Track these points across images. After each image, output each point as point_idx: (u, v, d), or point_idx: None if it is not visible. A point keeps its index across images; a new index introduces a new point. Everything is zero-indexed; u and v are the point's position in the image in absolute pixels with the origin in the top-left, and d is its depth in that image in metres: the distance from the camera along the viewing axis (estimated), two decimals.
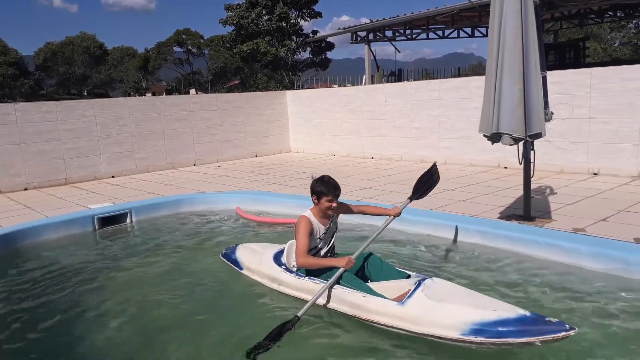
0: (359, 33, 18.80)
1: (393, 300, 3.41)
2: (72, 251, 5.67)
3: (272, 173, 10.26)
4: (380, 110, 11.44)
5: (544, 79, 5.16)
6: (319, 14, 32.29)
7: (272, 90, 29.31)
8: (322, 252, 3.98)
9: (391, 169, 9.88)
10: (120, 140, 10.91)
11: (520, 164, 5.51)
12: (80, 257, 5.42)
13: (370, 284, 3.69)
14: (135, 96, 41.18)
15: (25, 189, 9.61)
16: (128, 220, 6.76)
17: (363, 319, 3.46)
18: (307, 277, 3.85)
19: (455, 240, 5.18)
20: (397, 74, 21.78)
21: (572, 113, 8.14)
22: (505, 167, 9.13)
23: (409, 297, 3.31)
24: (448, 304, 3.17)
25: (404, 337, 3.27)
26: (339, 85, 22.74)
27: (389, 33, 19.30)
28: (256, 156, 13.30)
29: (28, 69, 52.30)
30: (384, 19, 17.65)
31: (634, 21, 33.47)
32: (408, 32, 19.56)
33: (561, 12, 16.77)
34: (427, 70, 28.77)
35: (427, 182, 4.65)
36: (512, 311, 3.03)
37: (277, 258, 4.23)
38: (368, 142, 11.88)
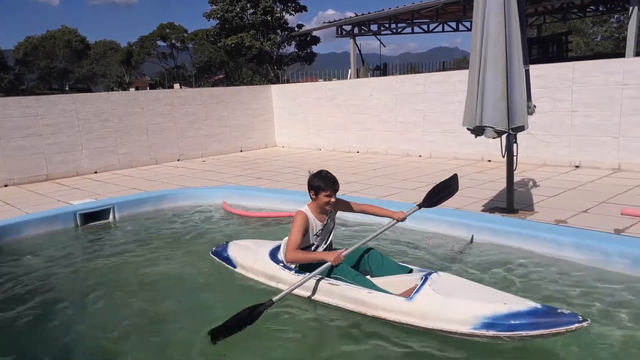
0: (344, 27, 18.75)
1: (399, 295, 3.35)
2: (54, 248, 5.58)
3: (258, 168, 10.22)
4: (366, 104, 11.44)
5: (527, 72, 5.19)
6: (304, 8, 32.20)
7: (257, 84, 29.18)
8: (320, 250, 3.90)
9: (376, 163, 9.90)
10: (102, 135, 10.76)
11: (504, 157, 5.55)
12: (61, 254, 5.34)
13: (372, 280, 3.62)
14: (119, 91, 40.70)
15: (6, 185, 9.44)
16: (111, 216, 6.68)
17: (369, 316, 3.40)
18: (307, 274, 3.70)
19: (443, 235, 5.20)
20: (382, 68, 21.79)
21: (555, 106, 8.23)
22: (489, 161, 9.20)
23: (417, 292, 3.26)
24: (458, 299, 3.13)
25: (412, 331, 3.22)
26: (325, 80, 22.72)
27: (374, 27, 19.28)
28: (241, 151, 13.23)
29: (8, 63, 51.35)
30: (369, 12, 17.64)
31: (615, 16, 33.90)
32: (393, 26, 19.57)
33: (544, 6, 16.90)
34: (412, 65, 28.87)
35: (442, 191, 4.34)
36: (523, 304, 3.00)
37: (274, 255, 4.10)
38: (353, 136, 11.88)
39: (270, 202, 6.82)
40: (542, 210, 5.64)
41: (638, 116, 7.49)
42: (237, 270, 4.36)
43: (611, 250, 4.15)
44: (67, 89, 53.73)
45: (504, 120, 4.96)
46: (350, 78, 18.28)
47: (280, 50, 32.03)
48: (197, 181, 8.88)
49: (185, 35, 50.45)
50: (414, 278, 3.49)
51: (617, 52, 25.74)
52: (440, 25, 20.28)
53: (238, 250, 4.49)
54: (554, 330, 2.80)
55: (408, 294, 3.32)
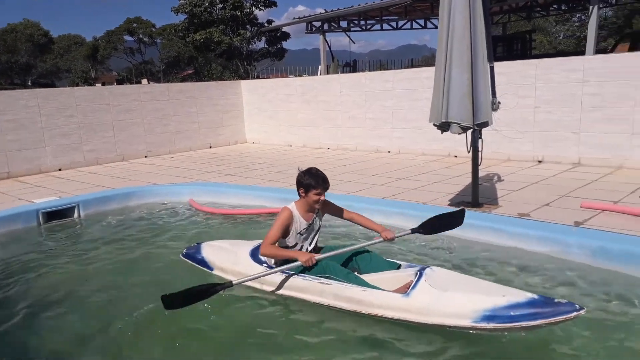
0: (314, 23, 18.74)
1: (395, 292, 3.33)
2: (14, 247, 5.43)
3: (227, 164, 10.14)
4: (336, 100, 11.48)
5: (492, 69, 5.31)
6: (273, 3, 32.01)
7: (226, 80, 28.86)
8: (304, 250, 3.83)
9: (346, 159, 9.95)
10: (66, 131, 10.48)
11: (469, 152, 5.67)
12: (22, 253, 5.20)
13: (361, 276, 3.56)
14: (84, 86, 39.62)
15: None
16: (75, 214, 6.54)
17: (365, 314, 3.34)
18: (297, 275, 3.66)
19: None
20: (352, 65, 21.87)
21: (518, 103, 8.43)
22: (456, 156, 9.37)
23: (413, 288, 3.23)
24: (456, 293, 3.13)
25: (411, 328, 3.20)
26: (295, 76, 22.67)
27: (343, 24, 19.34)
28: (210, 147, 13.10)
29: None
30: (338, 9, 17.71)
31: (577, 15, 34.94)
32: (362, 22, 19.68)
33: (509, 4, 17.26)
34: (381, 62, 29.09)
35: (445, 222, 4.09)
36: (520, 295, 3.03)
37: (255, 255, 3.98)
38: (324, 133, 11.90)
39: (239, 198, 6.79)
40: (506, 204, 5.78)
41: (597, 112, 7.74)
42: (215, 272, 4.21)
43: (571, 241, 4.29)
44: (29, 84, 52.03)
45: (469, 117, 5.06)
46: (320, 74, 18.29)
47: (250, 46, 31.79)
48: (165, 178, 8.75)
49: (153, 30, 49.47)
50: (407, 274, 3.48)
51: (578, 50, 26.51)
52: (409, 23, 20.48)
53: (213, 251, 4.33)
54: (553, 319, 2.85)
55: (403, 290, 3.31)
